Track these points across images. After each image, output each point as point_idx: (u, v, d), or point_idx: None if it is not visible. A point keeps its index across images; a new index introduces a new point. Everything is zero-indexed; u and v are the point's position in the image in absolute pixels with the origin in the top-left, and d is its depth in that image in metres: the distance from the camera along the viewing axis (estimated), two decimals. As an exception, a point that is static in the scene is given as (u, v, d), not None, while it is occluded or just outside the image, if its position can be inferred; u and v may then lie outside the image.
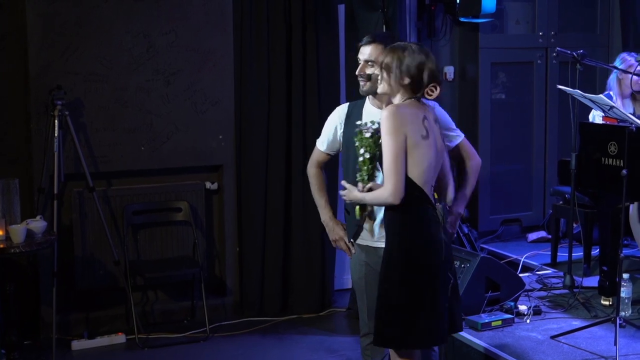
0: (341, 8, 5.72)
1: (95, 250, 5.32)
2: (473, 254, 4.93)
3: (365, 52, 3.59)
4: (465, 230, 6.20)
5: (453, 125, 3.76)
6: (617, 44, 7.02)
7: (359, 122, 3.43)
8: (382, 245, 3.45)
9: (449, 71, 6.66)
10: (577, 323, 4.69)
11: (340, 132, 3.75)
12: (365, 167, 3.37)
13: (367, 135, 3.34)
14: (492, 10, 6.29)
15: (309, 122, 5.60)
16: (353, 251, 3.71)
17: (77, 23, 5.18)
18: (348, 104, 3.81)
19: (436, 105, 3.65)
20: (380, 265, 3.40)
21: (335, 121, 3.78)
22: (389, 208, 3.25)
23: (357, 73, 3.61)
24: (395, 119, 3.14)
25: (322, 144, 3.84)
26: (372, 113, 3.64)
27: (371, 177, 3.36)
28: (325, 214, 3.83)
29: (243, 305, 5.70)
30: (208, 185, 5.65)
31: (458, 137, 3.74)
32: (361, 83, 3.61)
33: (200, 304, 5.40)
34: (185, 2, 5.40)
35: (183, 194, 5.53)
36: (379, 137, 3.26)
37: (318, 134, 5.57)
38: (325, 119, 5.59)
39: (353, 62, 5.47)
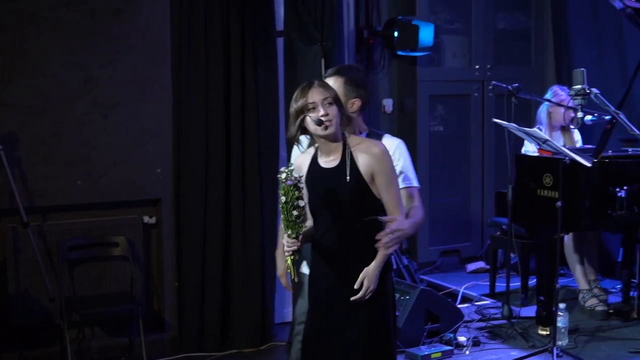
0: (280, 41, 5.74)
1: (30, 287, 5.18)
2: (412, 287, 4.97)
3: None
4: (405, 261, 6.24)
5: None
6: (551, 77, 7.19)
7: (284, 170, 3.29)
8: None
9: (388, 104, 6.74)
10: (515, 353, 4.75)
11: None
12: (286, 217, 3.26)
13: (289, 183, 3.24)
14: (429, 43, 6.40)
15: (247, 156, 5.59)
16: (291, 288, 3.69)
17: (11, 55, 5.10)
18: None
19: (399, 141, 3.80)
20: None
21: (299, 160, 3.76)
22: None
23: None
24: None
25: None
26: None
27: (295, 226, 3.26)
28: (278, 248, 3.77)
29: (182, 340, 5.62)
30: (146, 219, 5.58)
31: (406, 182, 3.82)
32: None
33: (138, 339, 5.30)
34: (123, 35, 5.37)
35: (120, 229, 5.45)
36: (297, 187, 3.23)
37: (257, 167, 5.62)
38: (265, 152, 5.65)
39: (292, 95, 5.53)
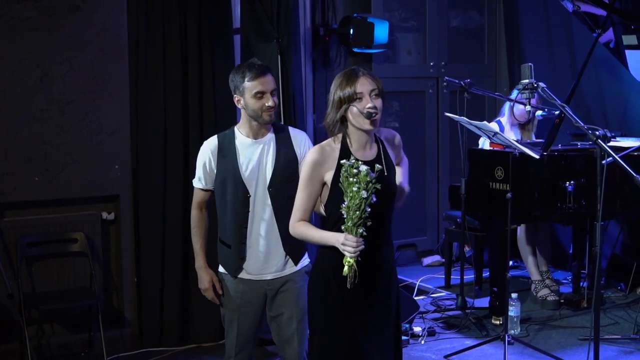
0: (237, 38, 5.79)
1: (-12, 284, 5.20)
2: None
3: (269, 81, 3.68)
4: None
5: None
6: (503, 74, 7.34)
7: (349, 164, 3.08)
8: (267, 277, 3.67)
9: (344, 100, 6.81)
10: (469, 342, 4.86)
11: (212, 165, 3.78)
12: (359, 214, 3.03)
13: (373, 175, 3.02)
14: (384, 41, 6.49)
15: (206, 151, 5.63)
16: (218, 302, 3.84)
17: (-33, 52, 5.10)
18: (217, 136, 3.84)
19: (304, 134, 3.87)
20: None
21: (206, 156, 3.80)
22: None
23: (271, 104, 3.65)
24: None
25: (197, 181, 3.85)
26: (248, 144, 3.72)
27: (365, 223, 3.04)
28: (198, 260, 3.87)
29: (142, 336, 5.64)
30: (104, 215, 5.60)
31: None
32: (271, 113, 3.68)
33: (98, 335, 5.30)
34: (79, 32, 5.38)
35: (79, 225, 5.47)
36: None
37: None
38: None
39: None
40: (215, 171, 3.77)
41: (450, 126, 6.94)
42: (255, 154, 3.72)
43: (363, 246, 3.01)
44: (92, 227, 5.51)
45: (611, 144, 5.02)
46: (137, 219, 5.61)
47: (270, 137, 3.76)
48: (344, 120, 3.18)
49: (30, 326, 5.28)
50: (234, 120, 5.78)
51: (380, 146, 3.23)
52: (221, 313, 3.92)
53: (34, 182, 5.31)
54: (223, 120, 5.72)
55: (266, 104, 3.65)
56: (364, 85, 3.12)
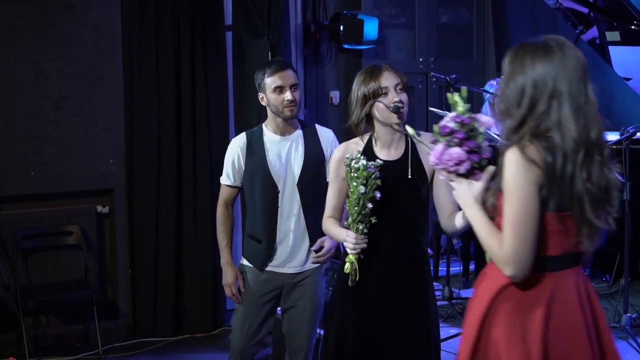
0: (229, 35, 5.90)
1: (-15, 276, 5.30)
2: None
3: (290, 75, 3.68)
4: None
5: None
6: (492, 70, 7.45)
7: (352, 157, 3.05)
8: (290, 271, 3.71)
9: (335, 95, 6.92)
10: (454, 331, 4.98)
11: (241, 162, 3.78)
12: (359, 209, 2.98)
13: (372, 170, 2.95)
14: (374, 37, 6.60)
15: (198, 146, 5.74)
16: (239, 299, 3.84)
17: (-37, 49, 5.19)
18: (245, 133, 3.84)
19: (332, 132, 3.84)
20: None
21: (235, 153, 3.79)
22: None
23: (291, 98, 3.63)
24: None
25: (225, 178, 3.84)
26: (276, 141, 3.74)
27: (368, 220, 2.99)
28: (223, 257, 3.88)
29: (136, 327, 5.76)
30: (99, 209, 5.70)
31: None
32: (292, 108, 3.65)
33: (93, 326, 5.42)
34: (74, 29, 5.47)
35: (74, 218, 5.57)
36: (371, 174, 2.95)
37: (207, 158, 5.77)
38: (215, 144, 5.80)
39: (241, 87, 5.70)
40: (244, 168, 3.78)
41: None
42: (283, 151, 3.74)
43: (365, 244, 2.94)
44: (87, 220, 5.62)
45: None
46: (132, 212, 5.71)
47: (298, 134, 3.77)
48: (369, 118, 3.08)
49: (27, 317, 5.39)
50: (226, 116, 5.91)
51: (410, 148, 3.10)
52: (235, 308, 3.94)
53: (29, 177, 5.40)
54: (215, 115, 5.83)
55: (286, 99, 3.64)
56: (388, 79, 3.06)
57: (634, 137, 4.47)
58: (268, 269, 3.78)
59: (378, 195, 2.92)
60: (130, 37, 5.58)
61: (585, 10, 5.05)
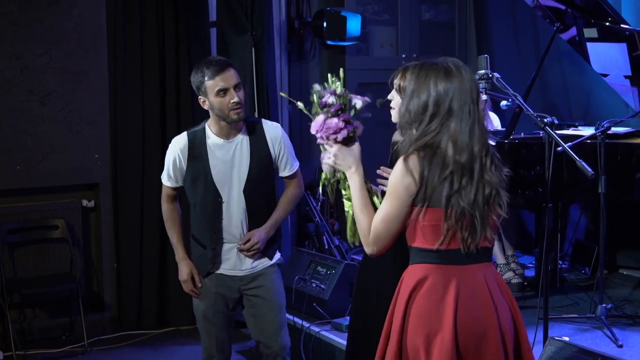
0: (213, 32, 5.96)
1: (-29, 269, 5.34)
2: (338, 262, 5.24)
3: (232, 75, 3.55)
4: (337, 242, 6.50)
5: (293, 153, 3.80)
6: (473, 66, 7.48)
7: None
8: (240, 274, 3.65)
9: (318, 92, 6.98)
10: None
11: (182, 164, 3.66)
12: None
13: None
14: (357, 33, 6.66)
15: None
16: (197, 294, 3.75)
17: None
18: (186, 133, 3.71)
19: (279, 128, 3.75)
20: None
21: (175, 153, 3.67)
22: None
23: (237, 100, 3.51)
24: None
25: (166, 179, 3.74)
26: (220, 145, 3.61)
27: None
28: (177, 253, 3.79)
29: (121, 319, 5.82)
30: (85, 203, 5.76)
31: (294, 165, 3.79)
32: (238, 111, 3.52)
33: (79, 319, 5.49)
34: (58, 25, 5.52)
35: (59, 212, 5.63)
36: None
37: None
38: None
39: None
40: (185, 170, 3.65)
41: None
42: (227, 156, 3.62)
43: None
44: (73, 214, 5.68)
45: (572, 132, 5.27)
46: (117, 206, 5.77)
47: (243, 137, 3.64)
48: None
49: (13, 310, 5.46)
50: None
51: None
52: (194, 306, 3.85)
53: (15, 171, 5.46)
54: (200, 110, 5.86)
55: (231, 101, 3.50)
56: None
57: (608, 132, 4.55)
58: (219, 271, 3.70)
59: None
60: (115, 33, 5.63)
61: (562, 7, 5.13)
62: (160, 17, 5.69)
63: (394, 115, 3.20)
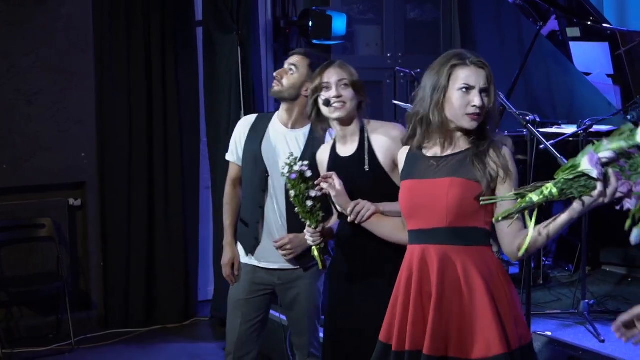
0: (199, 31, 5.98)
1: (-42, 268, 5.35)
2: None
3: (293, 59, 3.56)
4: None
5: None
6: (458, 65, 7.57)
7: (286, 161, 3.13)
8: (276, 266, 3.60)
9: (304, 90, 7.02)
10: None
11: (242, 141, 3.68)
12: (300, 209, 3.10)
13: (293, 177, 3.06)
14: (342, 33, 6.70)
15: (169, 140, 5.83)
16: (233, 281, 3.73)
17: None
18: (256, 115, 3.76)
19: None
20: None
21: (239, 132, 3.71)
22: None
23: (275, 74, 3.55)
24: None
25: (230, 155, 3.76)
26: (277, 130, 3.57)
27: (313, 216, 3.10)
28: (226, 236, 3.78)
29: (108, 318, 5.84)
30: (71, 202, 5.77)
31: None
32: (274, 84, 3.54)
33: (66, 318, 5.50)
34: (45, 25, 5.54)
35: (46, 211, 5.64)
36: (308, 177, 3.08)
37: (178, 151, 5.86)
38: (186, 137, 5.89)
39: (211, 82, 5.79)
40: (243, 146, 3.68)
41: (405, 114, 7.18)
42: (283, 141, 3.58)
43: (318, 239, 3.06)
44: (60, 213, 5.69)
45: (555, 130, 5.33)
46: (104, 205, 5.79)
47: (306, 130, 3.56)
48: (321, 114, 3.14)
49: (0, 309, 5.46)
50: (197, 110, 5.99)
51: (365, 142, 3.10)
52: (230, 295, 3.81)
53: (2, 170, 5.47)
54: (186, 109, 5.92)
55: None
56: (331, 74, 3.09)
57: (592, 130, 4.61)
58: (257, 264, 3.68)
59: (314, 193, 3.01)
60: (102, 32, 5.65)
61: (545, 6, 5.19)
62: (146, 17, 5.71)
63: None
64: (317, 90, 3.10)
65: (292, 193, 3.04)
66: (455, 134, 2.67)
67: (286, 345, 4.24)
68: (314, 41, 6.74)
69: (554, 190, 2.37)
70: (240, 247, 3.76)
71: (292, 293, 3.69)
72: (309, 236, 3.10)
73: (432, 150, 2.71)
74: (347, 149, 3.15)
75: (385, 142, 3.10)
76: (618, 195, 2.29)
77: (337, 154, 3.17)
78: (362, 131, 3.13)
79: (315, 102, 3.12)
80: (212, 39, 5.82)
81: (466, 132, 2.66)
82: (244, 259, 3.74)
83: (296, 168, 3.02)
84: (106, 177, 5.77)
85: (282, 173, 3.07)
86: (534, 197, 2.41)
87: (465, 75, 2.63)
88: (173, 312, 5.93)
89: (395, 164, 3.04)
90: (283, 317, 4.14)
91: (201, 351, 5.38)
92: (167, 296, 5.92)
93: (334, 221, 3.22)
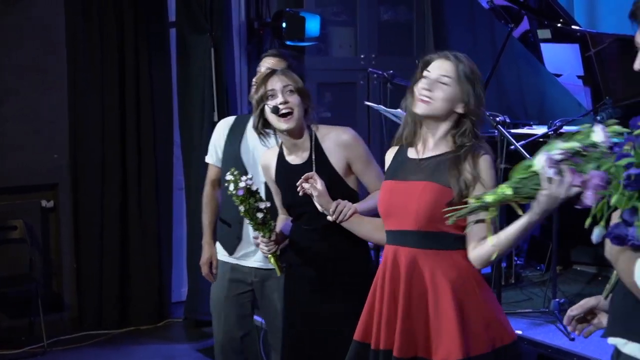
0: (173, 32, 5.97)
1: None
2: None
3: (269, 62, 3.52)
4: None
5: None
6: (431, 67, 7.61)
7: (228, 178, 3.09)
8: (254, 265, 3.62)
9: (278, 92, 7.02)
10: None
11: (221, 143, 3.71)
12: (252, 221, 3.08)
13: (240, 194, 3.02)
14: (316, 34, 6.72)
15: (142, 140, 5.82)
16: (212, 279, 3.77)
17: None
18: (235, 117, 3.80)
19: None
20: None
21: (218, 134, 3.73)
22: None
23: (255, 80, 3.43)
24: None
25: (210, 157, 3.79)
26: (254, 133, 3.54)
27: (265, 227, 3.09)
28: (204, 236, 3.83)
29: (81, 319, 5.82)
30: (44, 203, 5.74)
31: None
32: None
33: (38, 320, 5.46)
34: (18, 25, 5.51)
35: (18, 213, 5.61)
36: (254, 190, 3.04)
37: (152, 152, 5.85)
38: (159, 138, 5.88)
39: (185, 83, 5.80)
40: (222, 150, 3.71)
41: (379, 116, 7.20)
42: (260, 141, 3.46)
43: (273, 247, 3.06)
44: (32, 214, 5.67)
45: (526, 131, 5.38)
46: (76, 207, 5.76)
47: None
48: (268, 124, 3.10)
49: (-29, 312, 5.44)
50: (170, 110, 5.99)
51: (314, 148, 3.10)
52: (211, 294, 3.85)
53: (-27, 171, 5.44)
54: (159, 110, 5.91)
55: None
56: (275, 82, 3.05)
57: (560, 131, 4.66)
58: (235, 262, 3.71)
59: (263, 205, 3.01)
60: (75, 33, 5.63)
61: (516, 8, 5.24)
62: (119, 17, 5.70)
63: None
64: (263, 99, 3.06)
65: (241, 209, 3.01)
66: (436, 133, 2.68)
67: (259, 346, 4.26)
68: (288, 42, 6.75)
69: (508, 191, 2.32)
70: (219, 246, 3.79)
71: (268, 291, 3.71)
72: (264, 246, 3.08)
73: (414, 151, 2.72)
74: (297, 158, 3.15)
75: (337, 146, 3.11)
76: (574, 190, 2.23)
77: (287, 162, 3.15)
78: (312, 138, 3.12)
79: (262, 112, 3.08)
80: (185, 40, 5.82)
81: (447, 133, 2.66)
82: (222, 257, 3.77)
83: (242, 184, 2.98)
84: (79, 179, 5.75)
85: (229, 190, 3.03)
86: (488, 197, 2.38)
87: (430, 65, 2.69)
88: (147, 313, 5.92)
89: (349, 168, 3.08)
90: (257, 318, 4.16)
91: (175, 352, 5.38)
92: (140, 297, 5.91)
93: (281, 224, 3.21)
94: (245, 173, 3.43)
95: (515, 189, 2.32)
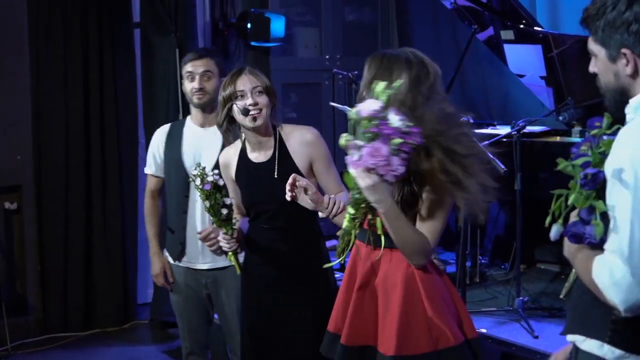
0: (137, 32, 5.94)
1: None
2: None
3: (201, 64, 3.57)
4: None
5: None
6: (395, 67, 7.65)
7: (194, 173, 3.14)
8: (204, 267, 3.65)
9: (243, 92, 7.03)
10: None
11: (161, 152, 3.75)
12: (215, 218, 3.12)
13: (207, 188, 3.06)
14: (281, 34, 6.73)
15: (107, 141, 5.78)
16: (170, 288, 3.81)
17: None
18: (170, 124, 3.83)
19: None
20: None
21: (155, 143, 3.77)
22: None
23: (197, 87, 3.54)
24: None
25: (147, 167, 3.83)
26: (195, 131, 3.65)
27: (228, 224, 3.12)
28: (151, 247, 3.87)
29: (46, 322, 5.76)
30: (7, 205, 5.69)
31: None
32: (199, 96, 3.54)
33: (1, 323, 5.42)
34: (-21, 25, 5.46)
35: (-19, 215, 5.56)
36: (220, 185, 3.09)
37: (116, 154, 5.82)
38: (124, 140, 5.85)
39: (150, 84, 5.77)
40: (163, 157, 3.74)
41: (345, 116, 7.23)
42: (201, 142, 3.64)
43: (235, 245, 3.10)
44: (-5, 216, 5.61)
45: (490, 131, 5.43)
46: (40, 208, 5.71)
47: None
48: (233, 121, 3.13)
49: None
50: (135, 112, 5.96)
51: (277, 147, 3.14)
52: (171, 300, 3.91)
53: None
54: (124, 111, 5.87)
55: (194, 87, 3.56)
56: (244, 82, 3.09)
57: (523, 131, 4.72)
58: (185, 265, 3.74)
59: (228, 201, 3.05)
60: (37, 33, 5.58)
61: (480, 9, 5.30)
62: (83, 17, 5.66)
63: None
64: (231, 98, 3.08)
65: (207, 204, 3.05)
66: None
67: (227, 347, 4.25)
68: (253, 43, 6.76)
69: (352, 210, 2.50)
70: (167, 253, 3.83)
71: (222, 293, 3.73)
72: (225, 243, 3.12)
73: None
74: (260, 155, 3.19)
75: (301, 145, 3.16)
76: (370, 178, 2.33)
77: (250, 159, 3.19)
78: (276, 137, 3.18)
79: (229, 110, 3.10)
80: (150, 41, 5.80)
81: None
82: (174, 262, 3.80)
83: (209, 178, 3.03)
84: (43, 180, 5.70)
85: (195, 185, 3.07)
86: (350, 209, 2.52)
87: None
88: (112, 315, 5.89)
89: (312, 168, 3.15)
90: (217, 316, 4.18)
91: (141, 354, 5.36)
92: (106, 299, 5.88)
93: (238, 223, 3.21)
94: (187, 177, 3.56)
95: (355, 200, 2.47)
